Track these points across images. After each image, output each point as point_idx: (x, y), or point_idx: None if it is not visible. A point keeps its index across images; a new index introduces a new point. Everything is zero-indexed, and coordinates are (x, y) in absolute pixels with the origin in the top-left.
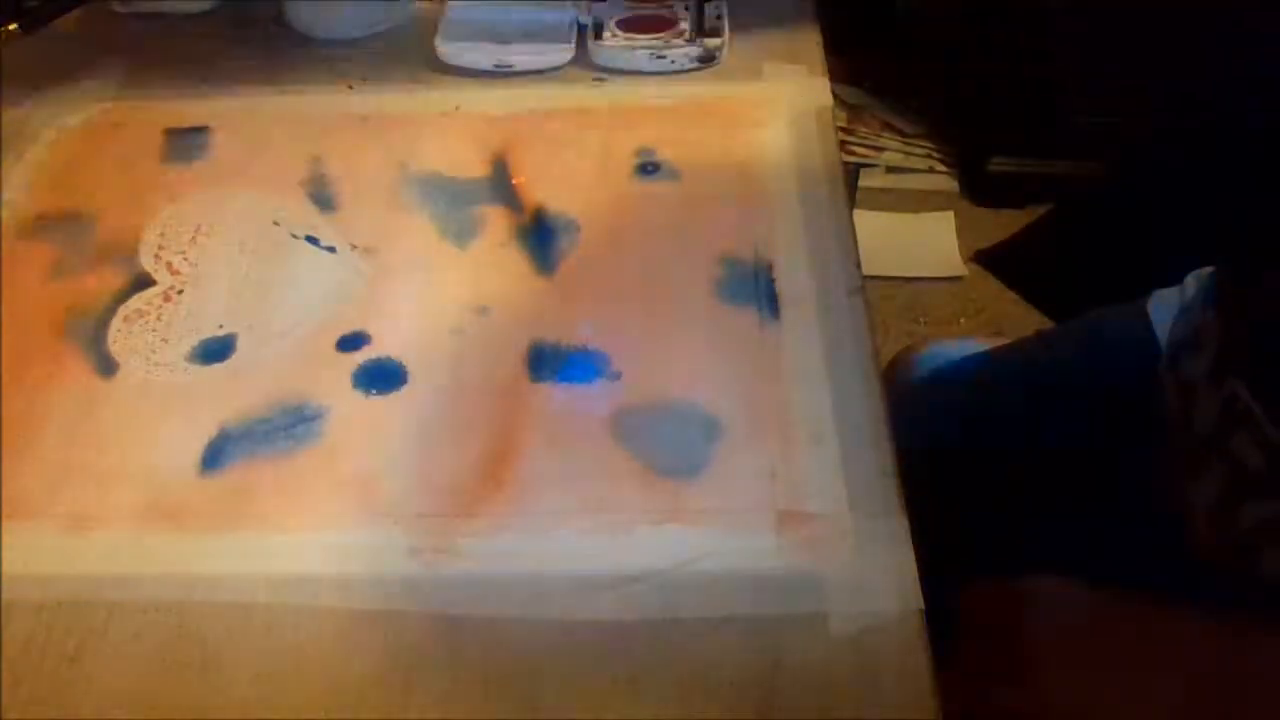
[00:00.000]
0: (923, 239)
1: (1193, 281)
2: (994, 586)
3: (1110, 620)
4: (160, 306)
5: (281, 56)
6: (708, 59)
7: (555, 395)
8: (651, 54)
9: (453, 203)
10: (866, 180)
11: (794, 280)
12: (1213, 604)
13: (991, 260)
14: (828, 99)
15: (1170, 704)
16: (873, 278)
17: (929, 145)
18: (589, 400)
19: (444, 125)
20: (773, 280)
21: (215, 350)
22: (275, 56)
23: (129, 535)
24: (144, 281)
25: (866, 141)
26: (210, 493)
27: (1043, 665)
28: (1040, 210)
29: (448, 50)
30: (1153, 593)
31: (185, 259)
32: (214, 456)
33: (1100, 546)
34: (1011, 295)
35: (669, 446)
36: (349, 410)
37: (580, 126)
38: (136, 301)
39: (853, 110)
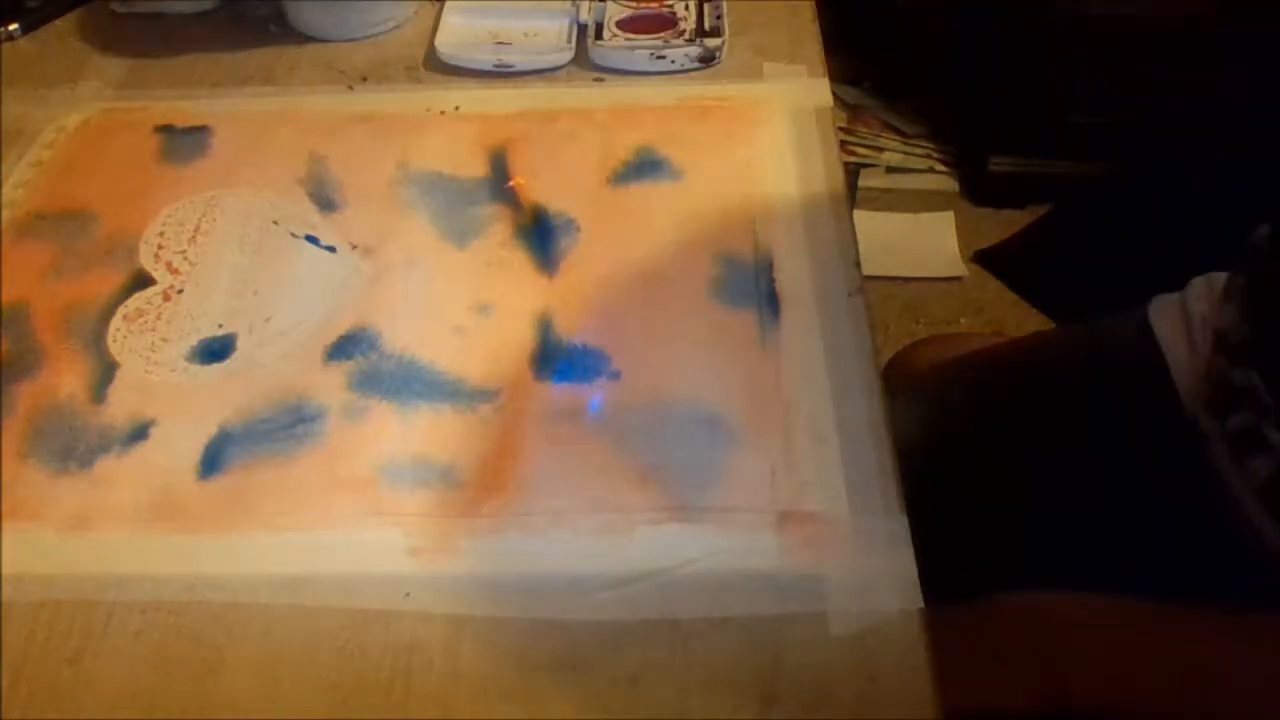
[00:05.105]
0: (923, 239)
1: (1199, 283)
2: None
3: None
4: (160, 306)
5: (281, 56)
6: (708, 59)
7: (555, 394)
8: (651, 54)
9: (453, 203)
10: (866, 180)
11: (794, 280)
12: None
13: (991, 260)
14: (828, 99)
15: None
16: (873, 278)
17: (929, 145)
18: (588, 399)
19: (444, 125)
20: (773, 280)
21: (215, 350)
22: (275, 56)
23: (129, 535)
24: (144, 281)
25: (866, 141)
26: (210, 493)
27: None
28: (1040, 210)
29: (448, 50)
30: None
31: (185, 258)
32: (214, 456)
33: (1130, 547)
34: (1011, 295)
35: (669, 446)
36: (349, 410)
37: (580, 126)
38: (136, 301)
39: (853, 110)
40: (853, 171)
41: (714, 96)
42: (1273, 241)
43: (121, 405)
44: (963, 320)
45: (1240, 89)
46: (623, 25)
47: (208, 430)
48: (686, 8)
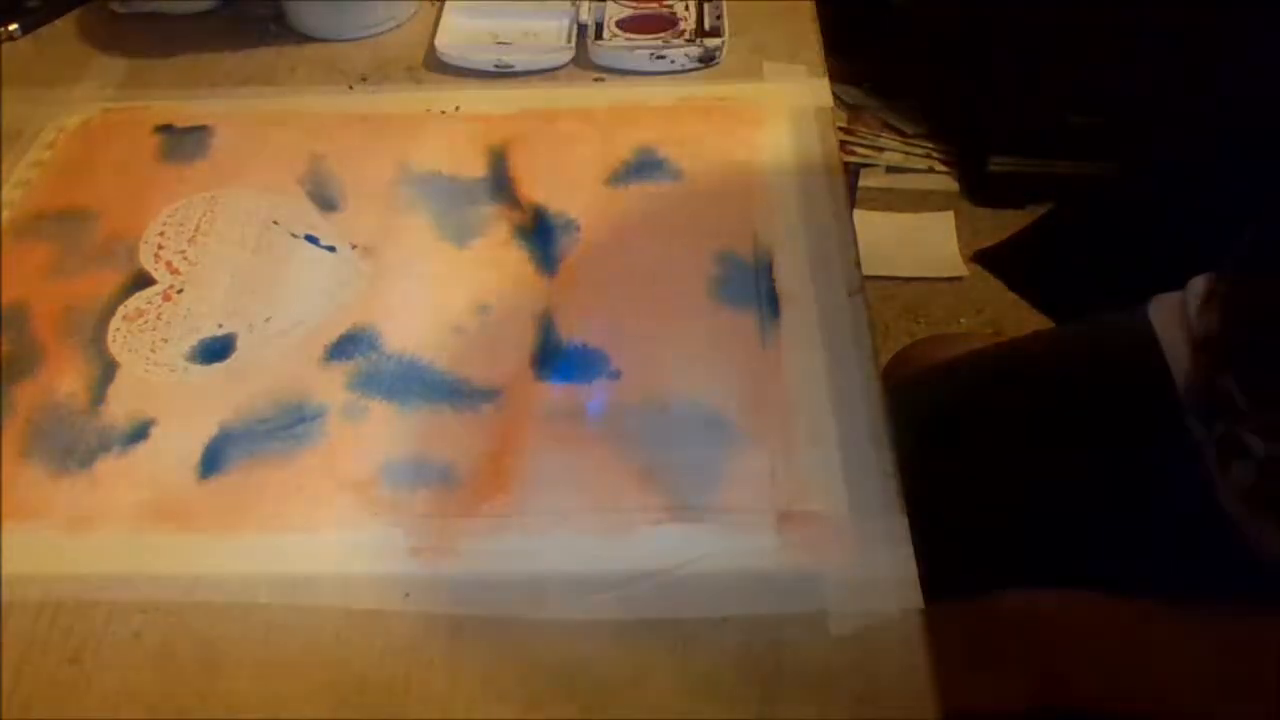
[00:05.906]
0: (923, 239)
1: (1199, 282)
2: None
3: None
4: (160, 306)
5: (281, 56)
6: (708, 59)
7: (555, 394)
8: (651, 54)
9: (452, 202)
10: (866, 180)
11: (794, 280)
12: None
13: (991, 260)
14: (828, 99)
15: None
16: (873, 278)
17: (929, 145)
18: (588, 399)
19: (444, 125)
20: (773, 280)
21: (215, 350)
22: (275, 56)
23: (129, 535)
24: (144, 280)
25: (866, 141)
26: (210, 493)
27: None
28: (1040, 210)
29: (448, 50)
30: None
31: (185, 258)
32: (214, 456)
33: (1130, 548)
34: (1011, 295)
35: (669, 446)
36: (349, 410)
37: (580, 126)
38: (136, 300)
39: (853, 110)
40: (853, 171)
41: (714, 96)
42: (1252, 248)
43: (121, 405)
44: (963, 320)
45: (1239, 88)
46: (623, 25)
47: (208, 430)
48: (686, 8)
